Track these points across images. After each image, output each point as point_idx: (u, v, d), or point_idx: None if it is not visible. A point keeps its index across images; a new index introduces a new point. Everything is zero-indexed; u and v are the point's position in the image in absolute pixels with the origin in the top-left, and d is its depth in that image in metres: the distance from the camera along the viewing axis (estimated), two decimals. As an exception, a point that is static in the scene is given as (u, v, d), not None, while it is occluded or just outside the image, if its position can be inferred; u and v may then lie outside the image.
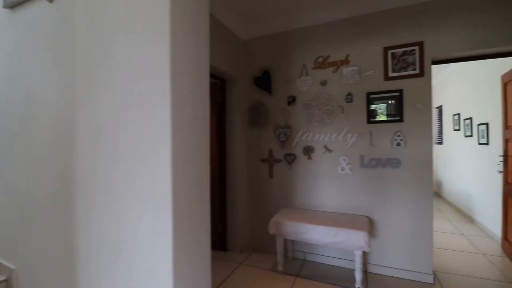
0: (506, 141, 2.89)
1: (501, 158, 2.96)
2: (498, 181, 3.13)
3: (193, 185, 1.21)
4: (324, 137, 2.71)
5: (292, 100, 2.86)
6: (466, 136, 4.27)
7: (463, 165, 4.52)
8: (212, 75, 2.87)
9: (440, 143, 5.86)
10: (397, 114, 2.41)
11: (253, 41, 3.08)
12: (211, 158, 3.06)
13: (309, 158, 2.78)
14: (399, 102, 2.40)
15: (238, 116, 3.01)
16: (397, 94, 2.41)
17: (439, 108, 5.91)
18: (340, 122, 2.64)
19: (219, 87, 3.07)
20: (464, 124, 4.34)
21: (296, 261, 2.79)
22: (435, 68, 4.64)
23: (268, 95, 2.98)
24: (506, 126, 2.88)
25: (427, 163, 2.33)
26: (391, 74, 2.44)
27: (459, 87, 4.62)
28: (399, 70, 2.41)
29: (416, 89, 2.36)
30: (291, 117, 2.87)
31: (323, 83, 2.71)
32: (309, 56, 2.79)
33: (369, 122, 2.52)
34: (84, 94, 1.32)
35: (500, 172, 2.98)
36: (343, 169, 2.62)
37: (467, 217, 4.24)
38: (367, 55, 2.53)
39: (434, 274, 2.43)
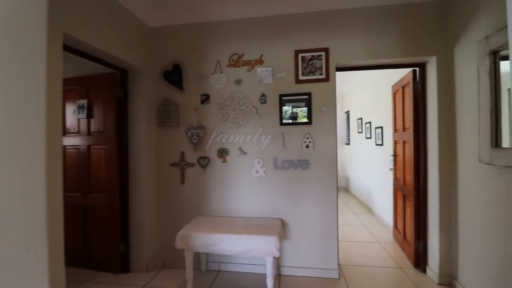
0: (395, 143, 3.34)
1: (392, 157, 3.41)
2: (390, 177, 3.60)
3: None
4: (239, 139, 2.57)
5: (206, 99, 2.64)
6: (367, 138, 4.87)
7: (364, 163, 5.14)
8: (107, 64, 2.40)
9: (348, 144, 6.59)
10: (306, 116, 2.46)
11: (162, 30, 2.72)
12: (108, 165, 2.57)
13: (224, 161, 2.60)
14: (309, 105, 2.46)
15: (143, 114, 2.61)
16: (306, 97, 2.46)
17: (347, 113, 6.65)
18: (255, 123, 2.55)
19: (118, 79, 2.60)
20: (365, 127, 4.94)
21: (210, 273, 2.57)
22: (343, 76, 5.15)
23: (179, 92, 2.68)
24: (395, 130, 3.33)
25: (332, 164, 2.45)
26: (301, 77, 2.48)
27: (362, 95, 5.25)
28: (308, 74, 2.47)
29: (323, 93, 2.45)
30: (204, 117, 2.64)
31: (238, 82, 2.58)
32: (224, 53, 2.61)
33: (282, 124, 2.50)
34: None
35: (391, 169, 3.44)
36: (257, 172, 2.54)
37: (368, 209, 4.83)
38: (280, 57, 2.52)
39: (340, 268, 2.57)
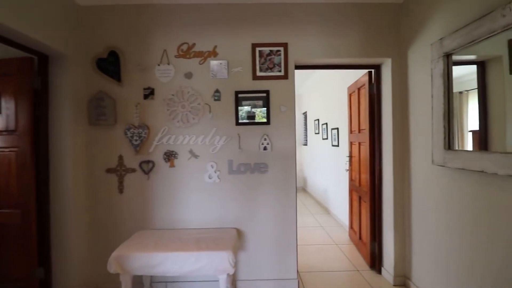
0: (350, 144, 3.36)
1: (347, 158, 3.43)
2: (346, 178, 3.63)
3: None
4: (189, 140, 2.27)
5: (149, 93, 2.27)
6: (323, 139, 4.92)
7: (321, 164, 5.21)
8: (20, 46, 1.89)
9: (306, 144, 6.67)
10: (264, 116, 2.26)
11: (97, 9, 2.27)
12: (20, 172, 2.06)
13: (172, 165, 2.27)
14: (267, 104, 2.27)
15: (70, 110, 2.14)
16: (264, 95, 2.26)
17: (305, 114, 6.73)
18: (208, 122, 2.27)
19: (35, 65, 2.09)
20: (322, 128, 5.00)
21: (155, 295, 2.22)
22: (302, 77, 5.13)
23: (116, 84, 2.26)
24: (350, 131, 3.35)
25: (291, 166, 2.30)
26: (259, 73, 2.28)
27: (319, 96, 5.31)
28: (266, 70, 2.28)
29: (281, 92, 2.29)
30: (148, 115, 2.27)
31: (188, 75, 2.27)
32: (172, 41, 2.28)
33: (238, 123, 2.27)
34: None
35: (347, 170, 3.46)
36: (210, 177, 2.26)
37: (325, 209, 4.89)
38: (236, 50, 2.28)
39: (299, 276, 2.44)
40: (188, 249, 1.84)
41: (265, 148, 2.26)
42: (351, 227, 3.40)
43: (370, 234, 2.64)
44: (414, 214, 2.19)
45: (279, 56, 2.28)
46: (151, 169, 2.26)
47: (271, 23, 2.29)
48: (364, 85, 2.77)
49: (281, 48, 2.28)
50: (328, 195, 4.78)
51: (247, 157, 2.28)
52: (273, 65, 2.27)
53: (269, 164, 2.28)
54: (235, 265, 1.85)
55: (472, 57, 1.72)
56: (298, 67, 2.44)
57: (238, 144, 2.27)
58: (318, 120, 5.37)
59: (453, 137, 1.78)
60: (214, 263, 1.79)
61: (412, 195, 2.20)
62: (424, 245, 2.06)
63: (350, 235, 3.43)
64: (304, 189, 6.84)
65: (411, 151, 2.22)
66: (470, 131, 1.72)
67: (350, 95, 3.34)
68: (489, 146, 1.55)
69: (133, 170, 2.26)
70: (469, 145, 1.71)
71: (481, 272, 1.53)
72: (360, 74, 2.92)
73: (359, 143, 2.99)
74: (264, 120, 2.26)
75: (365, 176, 2.77)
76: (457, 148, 1.74)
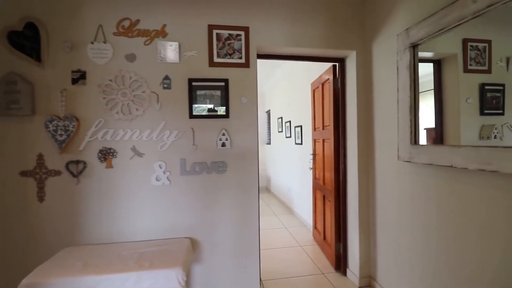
0: (314, 141, 3.26)
1: (311, 156, 3.32)
2: (310, 176, 3.53)
3: None
4: (132, 135, 1.89)
5: (80, 77, 1.84)
6: (287, 137, 4.81)
7: (285, 162, 5.10)
8: None
9: (269, 143, 6.54)
10: (222, 108, 1.99)
11: (5, -31, 1.77)
12: None
13: (109, 166, 1.87)
14: (225, 95, 2.00)
15: (-36, 94, 1.62)
16: (222, 84, 1.99)
17: (268, 112, 6.59)
18: (155, 114, 1.92)
19: None
20: (285, 126, 4.89)
21: (88, 326, 1.79)
22: (265, 71, 4.96)
23: (35, 65, 1.79)
24: (314, 128, 3.25)
25: (253, 165, 2.06)
26: (216, 60, 2.00)
27: (282, 93, 5.20)
28: (224, 56, 2.01)
29: (242, 81, 2.04)
30: (78, 103, 1.84)
31: (130, 57, 1.90)
32: (110, 15, 1.88)
33: (192, 116, 1.96)
34: None
35: (310, 168, 3.35)
36: (158, 179, 1.92)
37: (289, 209, 4.77)
38: (190, 31, 1.97)
39: (262, 285, 2.22)
40: (127, 268, 1.49)
41: (223, 145, 1.99)
42: (315, 227, 3.30)
43: (335, 234, 2.54)
44: (378, 213, 2.11)
45: (239, 41, 2.02)
46: (81, 171, 1.83)
47: (231, 4, 2.03)
48: (328, 79, 2.67)
49: (242, 33, 2.03)
50: (291, 194, 4.67)
51: (203, 155, 1.98)
52: (233, 51, 2.02)
53: (228, 163, 2.01)
54: (186, 283, 1.55)
55: (429, 54, 1.69)
56: (261, 56, 2.22)
57: (192, 140, 1.97)
58: (281, 118, 5.25)
59: (418, 132, 1.72)
60: (159, 283, 1.47)
61: (377, 193, 2.13)
62: (389, 245, 1.99)
63: (314, 236, 3.33)
64: (268, 189, 6.71)
65: (375, 147, 2.14)
66: (424, 128, 1.69)
67: (313, 91, 3.23)
68: (444, 143, 1.52)
69: (58, 173, 1.81)
70: (423, 142, 1.67)
71: (448, 272, 1.47)
72: (324, 68, 2.82)
73: (323, 140, 2.88)
74: (223, 113, 1.99)
75: (330, 174, 2.66)
76: (422, 143, 1.67)
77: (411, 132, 1.71)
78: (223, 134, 1.98)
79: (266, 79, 5.84)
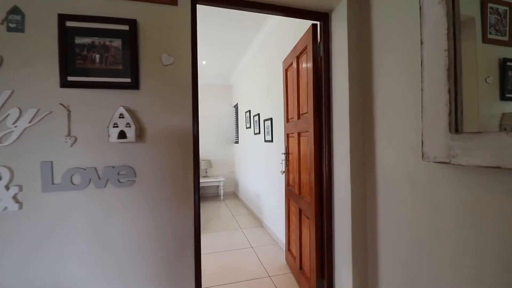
0: (287, 136, 2.50)
1: (284, 156, 2.56)
2: (282, 181, 2.77)
3: None
4: None
5: None
6: (255, 134, 4.02)
7: (253, 164, 4.30)
8: None
9: (237, 142, 5.71)
10: (124, 71, 1.13)
11: None
12: None
13: None
14: (132, 48, 1.14)
15: None
16: (126, 28, 1.13)
17: (236, 107, 5.77)
18: (-12, 78, 1.01)
19: None
20: (253, 121, 4.09)
21: None
22: (230, 66, 4.16)
23: None
24: (287, 120, 2.49)
25: (186, 171, 1.22)
26: (116, -14, 1.13)
27: (250, 82, 4.40)
28: (132, -19, 1.15)
29: (164, 27, 1.20)
30: None
31: None
32: None
33: (65, 84, 1.07)
34: None
35: (282, 172, 2.58)
36: (-8, 202, 1.01)
37: (258, 220, 3.98)
38: None
39: None
40: None
41: (122, 136, 1.11)
42: (288, 249, 2.53)
43: (316, 267, 1.78)
44: (382, 238, 1.38)
45: (159, -40, 1.18)
46: None
47: None
48: (305, 49, 1.91)
49: None
50: (261, 202, 3.88)
51: (89, 154, 1.10)
52: (147, -25, 1.16)
53: (137, 168, 1.15)
54: None
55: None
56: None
57: (66, 127, 1.08)
58: (249, 111, 4.44)
59: (461, 113, 1.00)
60: None
61: (380, 208, 1.40)
62: (399, 284, 1.26)
63: (287, 260, 2.55)
64: (235, 194, 5.87)
65: (377, 141, 1.41)
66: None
67: (286, 71, 2.47)
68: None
69: None
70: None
71: None
72: (300, 35, 2.06)
73: (299, 134, 2.13)
74: (126, 79, 1.13)
75: (308, 180, 1.91)
76: (468, 131, 0.95)
77: (450, 112, 0.98)
78: (121, 116, 1.10)
79: (234, 69, 5.03)
